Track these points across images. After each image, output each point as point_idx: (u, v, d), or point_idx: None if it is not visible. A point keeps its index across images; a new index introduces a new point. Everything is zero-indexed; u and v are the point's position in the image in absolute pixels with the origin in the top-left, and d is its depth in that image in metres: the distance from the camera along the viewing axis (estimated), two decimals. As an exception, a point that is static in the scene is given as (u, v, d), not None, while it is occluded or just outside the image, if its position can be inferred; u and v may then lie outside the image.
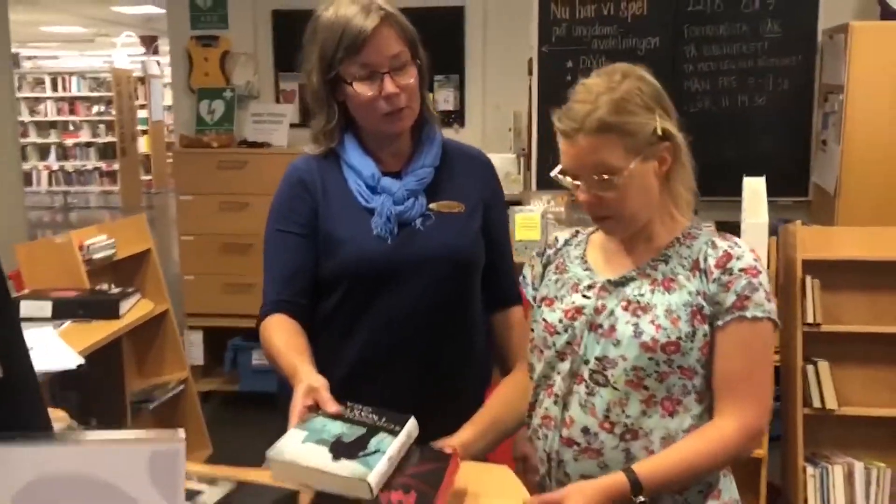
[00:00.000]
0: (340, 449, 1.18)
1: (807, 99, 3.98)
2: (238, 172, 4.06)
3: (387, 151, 1.62)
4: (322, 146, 1.62)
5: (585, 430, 1.36)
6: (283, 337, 1.51)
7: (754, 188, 2.79)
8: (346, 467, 1.14)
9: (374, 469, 1.13)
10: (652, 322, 1.33)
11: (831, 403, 2.69)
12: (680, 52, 4.05)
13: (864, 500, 2.68)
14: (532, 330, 1.49)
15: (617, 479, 1.28)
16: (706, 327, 1.33)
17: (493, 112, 4.34)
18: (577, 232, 1.57)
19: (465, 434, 1.46)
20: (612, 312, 1.37)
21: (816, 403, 2.70)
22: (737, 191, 3.58)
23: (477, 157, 1.72)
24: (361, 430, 1.24)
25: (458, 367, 1.64)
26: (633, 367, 1.33)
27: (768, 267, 2.79)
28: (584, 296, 1.42)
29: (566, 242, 1.55)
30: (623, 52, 4.03)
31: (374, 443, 1.20)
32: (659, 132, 1.33)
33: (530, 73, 4.17)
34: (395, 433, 1.23)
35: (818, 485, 2.66)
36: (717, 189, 3.77)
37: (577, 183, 1.37)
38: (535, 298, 1.54)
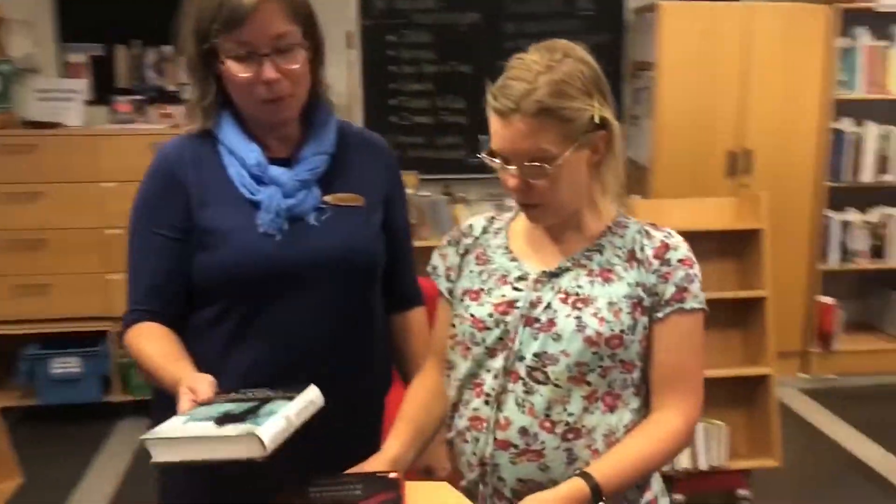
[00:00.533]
0: (227, 419, 1.08)
1: (618, 75, 4.15)
2: (25, 157, 3.54)
3: (272, 136, 1.41)
4: (197, 123, 1.41)
5: (524, 431, 1.26)
6: (157, 345, 1.33)
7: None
8: (234, 429, 1.05)
9: (265, 425, 1.05)
10: (595, 315, 1.26)
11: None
12: (500, 29, 4.07)
13: (706, 456, 2.86)
14: (454, 325, 1.38)
15: (576, 485, 1.19)
16: (645, 319, 1.28)
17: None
18: (493, 219, 1.46)
19: (393, 449, 1.32)
20: (549, 305, 1.28)
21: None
22: None
23: (377, 143, 1.55)
24: (253, 404, 1.14)
25: (359, 377, 1.48)
26: (575, 363, 1.25)
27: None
28: (515, 288, 1.32)
29: (484, 230, 1.43)
30: (445, 27, 3.98)
31: (266, 409, 1.11)
32: (597, 120, 1.24)
33: (350, 46, 4.01)
34: (290, 398, 1.15)
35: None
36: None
37: (509, 167, 1.27)
38: (451, 291, 1.42)
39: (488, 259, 1.38)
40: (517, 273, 1.33)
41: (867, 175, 4.04)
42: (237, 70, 1.32)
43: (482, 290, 1.35)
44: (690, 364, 1.30)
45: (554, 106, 1.21)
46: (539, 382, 1.26)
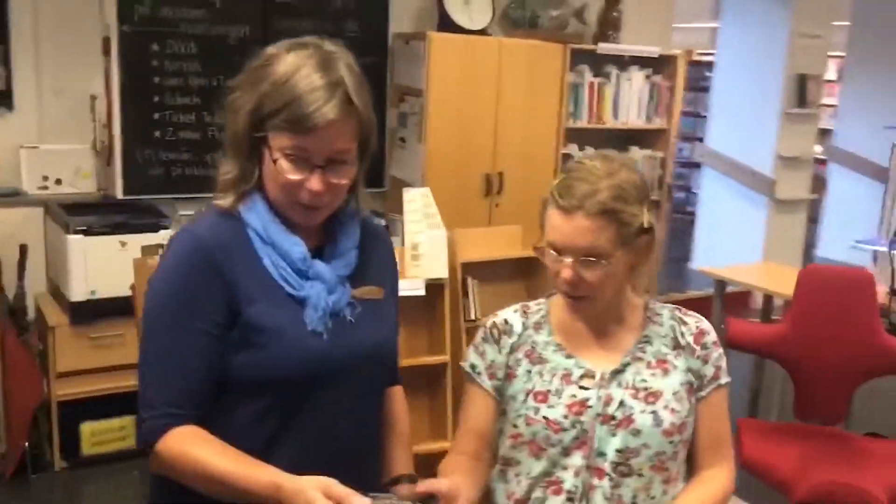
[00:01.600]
0: None
1: (382, 97, 4.28)
2: None
3: (300, 227, 1.36)
4: (226, 202, 1.33)
5: None
6: (220, 450, 1.26)
7: (419, 197, 2.96)
8: None
9: None
10: (666, 408, 1.41)
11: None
12: (270, 43, 3.94)
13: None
14: (515, 426, 1.45)
15: None
16: (693, 399, 1.46)
17: (51, 96, 3.63)
18: (525, 312, 1.55)
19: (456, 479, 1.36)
20: (622, 403, 1.40)
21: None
22: None
23: (380, 232, 1.55)
24: None
25: (375, 454, 1.51)
26: (656, 454, 1.40)
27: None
28: (582, 387, 1.42)
29: (524, 326, 1.52)
30: (213, 39, 3.78)
31: None
32: (646, 225, 1.40)
33: (107, 53, 3.62)
34: None
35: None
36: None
37: (564, 259, 1.38)
38: (498, 389, 1.49)
39: (542, 358, 1.47)
40: (579, 371, 1.44)
41: (588, 193, 4.68)
42: (286, 169, 1.28)
43: (549, 391, 1.43)
44: (726, 430, 1.51)
45: (614, 208, 1.36)
46: (625, 476, 1.40)
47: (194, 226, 1.35)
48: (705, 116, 7.12)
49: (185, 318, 1.29)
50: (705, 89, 7.18)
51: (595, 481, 1.40)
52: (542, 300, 1.58)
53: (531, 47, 4.29)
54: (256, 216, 1.33)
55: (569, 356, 1.46)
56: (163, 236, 3.38)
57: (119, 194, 3.68)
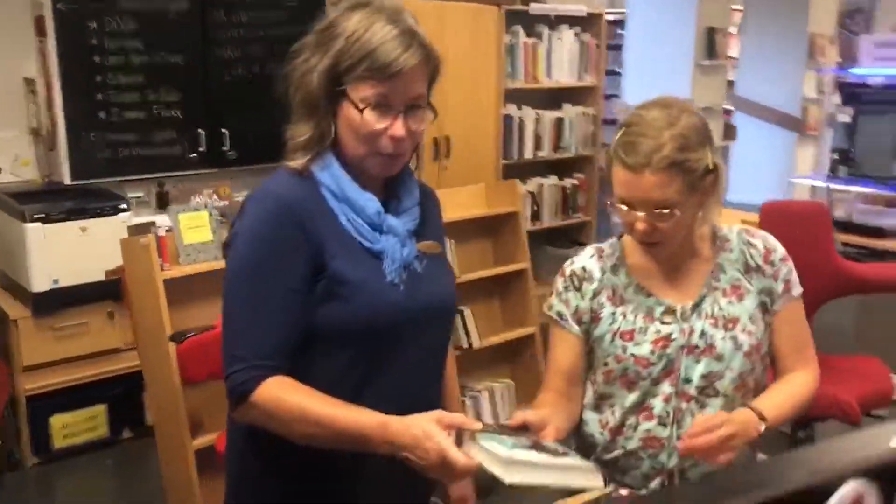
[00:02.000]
0: (545, 451, 1.26)
1: (324, 66, 4.26)
2: None
3: (367, 182, 1.41)
4: (300, 161, 1.37)
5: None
6: (318, 397, 1.29)
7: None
8: (576, 461, 1.28)
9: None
10: (744, 331, 1.51)
11: (476, 342, 3.18)
12: (210, 18, 3.88)
13: (503, 412, 3.29)
14: (606, 364, 1.55)
15: (746, 413, 1.44)
16: (768, 317, 1.56)
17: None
18: (600, 255, 1.61)
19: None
20: (703, 332, 1.50)
21: (465, 344, 3.16)
22: (273, 158, 3.81)
23: (430, 191, 1.58)
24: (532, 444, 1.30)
25: (441, 406, 1.57)
26: (738, 375, 1.51)
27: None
28: (664, 322, 1.51)
29: (602, 272, 1.58)
30: (151, 15, 3.67)
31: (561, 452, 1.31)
32: (710, 166, 1.46)
33: (41, 34, 3.47)
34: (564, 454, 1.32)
35: (474, 410, 3.16)
36: (261, 156, 3.96)
37: (637, 213, 1.45)
38: (587, 332, 1.57)
39: (623, 299, 1.55)
40: (660, 308, 1.53)
41: (528, 152, 4.81)
42: (371, 119, 1.32)
43: (634, 330, 1.52)
44: (807, 336, 1.61)
45: (680, 159, 1.41)
46: (710, 397, 1.50)
47: (270, 186, 1.37)
48: (620, 73, 7.35)
49: (272, 274, 1.32)
50: (618, 47, 7.40)
51: (683, 405, 1.51)
52: (613, 240, 1.64)
53: (468, 10, 4.34)
54: (330, 175, 1.37)
55: (649, 295, 1.54)
56: (122, 219, 3.32)
57: (66, 180, 3.56)
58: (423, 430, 1.20)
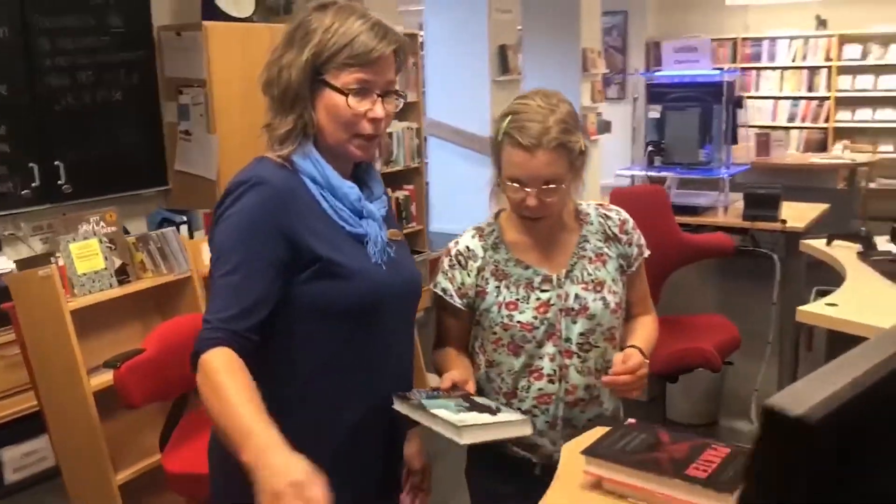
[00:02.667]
0: (485, 410, 1.52)
1: (155, 91, 4.15)
2: None
3: (340, 171, 1.50)
4: (285, 150, 1.44)
5: (588, 388, 1.71)
6: (243, 385, 1.29)
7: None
8: (510, 415, 1.54)
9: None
10: (610, 292, 1.74)
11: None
12: (34, 45, 3.66)
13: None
14: (494, 333, 1.72)
15: (634, 350, 1.69)
16: (625, 276, 1.81)
17: None
18: (480, 234, 1.78)
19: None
20: (577, 296, 1.71)
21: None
22: (111, 188, 3.88)
23: (381, 181, 1.67)
24: (467, 404, 1.54)
25: (412, 374, 1.69)
26: (608, 329, 1.74)
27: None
28: (542, 290, 1.71)
29: (484, 249, 1.75)
30: (-31, 43, 3.41)
31: (493, 408, 1.56)
32: (583, 148, 1.68)
33: None
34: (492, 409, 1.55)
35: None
36: (100, 188, 3.86)
37: (528, 190, 1.64)
38: (470, 305, 1.74)
39: (505, 273, 1.73)
40: (538, 278, 1.72)
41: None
42: (353, 103, 1.43)
43: (517, 300, 1.70)
44: (647, 287, 1.90)
45: (564, 140, 1.63)
46: (587, 351, 1.72)
47: (260, 174, 1.43)
48: (423, 91, 7.68)
49: (256, 247, 1.39)
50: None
51: (567, 361, 1.70)
52: (491, 221, 1.81)
53: (276, 31, 4.41)
54: (312, 164, 1.46)
55: (527, 267, 1.72)
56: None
57: None
58: (306, 473, 1.18)
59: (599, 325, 1.72)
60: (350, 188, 1.48)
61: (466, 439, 1.37)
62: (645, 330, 1.83)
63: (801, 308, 2.47)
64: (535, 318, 1.68)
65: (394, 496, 1.64)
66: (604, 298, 1.72)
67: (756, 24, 8.79)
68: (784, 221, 3.70)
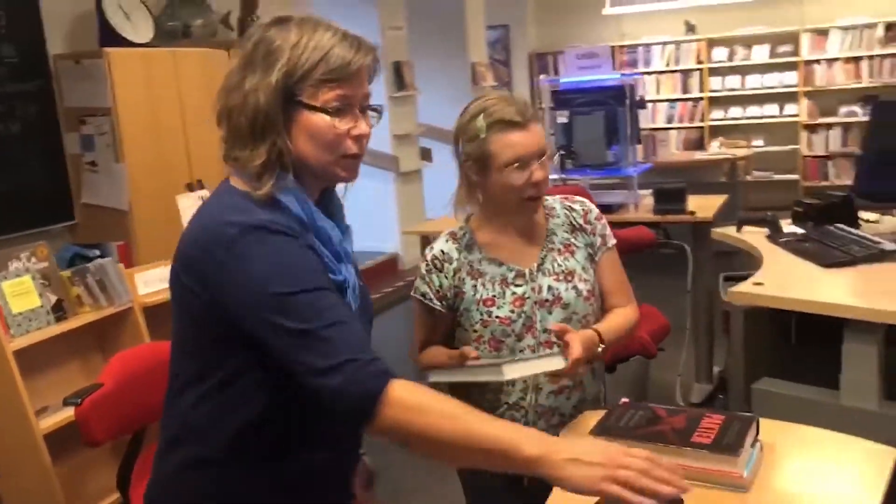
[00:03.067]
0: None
1: (55, 122, 3.98)
2: None
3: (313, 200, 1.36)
4: (263, 187, 1.27)
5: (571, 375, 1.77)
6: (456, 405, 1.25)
7: (194, 199, 2.98)
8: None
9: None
10: (581, 280, 1.83)
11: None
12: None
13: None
14: (475, 330, 1.79)
15: (590, 333, 1.74)
16: (594, 265, 1.91)
17: None
18: (454, 241, 1.84)
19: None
20: (550, 287, 1.79)
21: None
22: (13, 226, 3.66)
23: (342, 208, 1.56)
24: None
25: None
26: (582, 317, 1.82)
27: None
28: (517, 285, 1.78)
29: (458, 251, 1.82)
30: None
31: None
32: None
33: None
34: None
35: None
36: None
37: (531, 166, 1.72)
38: (450, 307, 1.81)
39: (480, 272, 1.80)
40: (511, 274, 1.81)
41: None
42: (337, 122, 1.28)
43: (494, 296, 1.78)
44: (624, 278, 1.97)
45: (537, 112, 1.77)
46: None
47: (256, 221, 1.25)
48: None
49: (319, 276, 1.25)
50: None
51: (547, 351, 1.77)
52: (463, 226, 1.88)
53: (200, 55, 4.34)
54: (296, 200, 1.30)
55: (500, 264, 1.81)
56: None
57: None
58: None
59: (575, 313, 1.79)
60: (332, 229, 1.34)
61: (508, 374, 1.60)
62: (616, 318, 1.88)
63: (731, 289, 2.63)
64: (513, 311, 1.76)
65: None
66: (575, 287, 1.80)
67: (631, 32, 9.24)
68: (693, 213, 3.92)
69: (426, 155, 7.39)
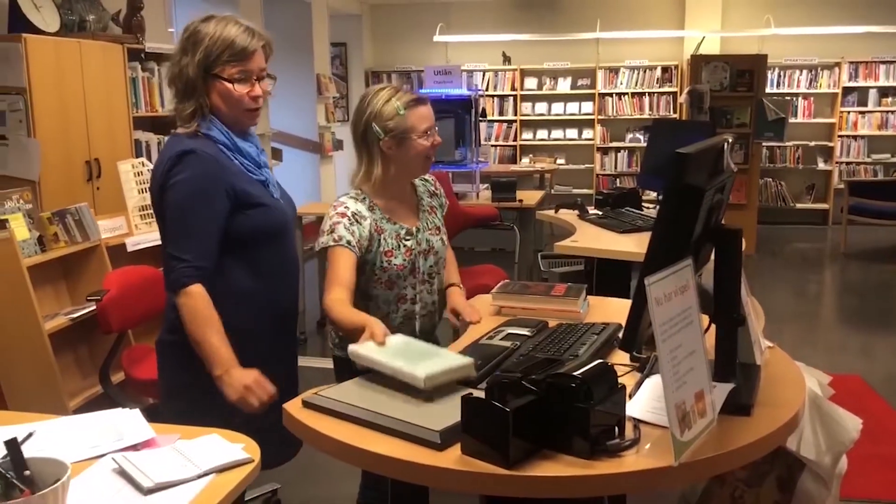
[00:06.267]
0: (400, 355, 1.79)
1: (-34, 99, 4.34)
2: None
3: (236, 133, 2.08)
4: (190, 127, 2.00)
5: (433, 303, 2.37)
6: (217, 320, 1.96)
7: (130, 167, 3.57)
8: (406, 365, 1.72)
9: (423, 367, 1.68)
10: (443, 232, 2.45)
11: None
12: None
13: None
14: (375, 274, 2.25)
15: (456, 289, 2.41)
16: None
17: None
18: (359, 200, 2.26)
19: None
20: (428, 241, 2.34)
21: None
22: None
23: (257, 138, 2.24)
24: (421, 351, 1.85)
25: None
26: (443, 259, 2.45)
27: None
28: (406, 239, 2.29)
29: (368, 210, 2.24)
30: None
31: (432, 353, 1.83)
32: None
33: None
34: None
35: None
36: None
37: (433, 132, 2.29)
38: (363, 254, 2.22)
39: (382, 229, 2.25)
40: (402, 230, 2.29)
41: (154, 172, 5.41)
42: (239, 88, 2.00)
43: (392, 248, 2.25)
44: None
45: None
46: (433, 276, 2.37)
47: (188, 145, 1.95)
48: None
49: (209, 201, 1.95)
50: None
51: (421, 287, 2.32)
52: (358, 191, 2.28)
53: (101, 47, 4.85)
54: (218, 132, 2.01)
55: (394, 223, 2.26)
56: None
57: None
58: (257, 375, 1.92)
59: (441, 258, 2.39)
60: (250, 146, 2.06)
61: (429, 384, 1.63)
62: (453, 265, 2.54)
63: (557, 244, 3.65)
64: (405, 260, 2.26)
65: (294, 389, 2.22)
66: (441, 239, 2.42)
67: (456, 58, 10.37)
68: (521, 201, 4.97)
69: (277, 155, 8.04)
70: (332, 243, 2.15)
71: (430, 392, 1.61)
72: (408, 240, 2.27)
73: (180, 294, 1.92)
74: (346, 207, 2.21)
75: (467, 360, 1.71)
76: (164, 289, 2.03)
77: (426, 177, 2.44)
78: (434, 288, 2.38)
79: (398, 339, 1.85)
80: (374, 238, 2.21)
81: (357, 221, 2.19)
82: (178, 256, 1.92)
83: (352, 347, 1.77)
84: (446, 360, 1.71)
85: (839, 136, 9.88)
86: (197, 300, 1.90)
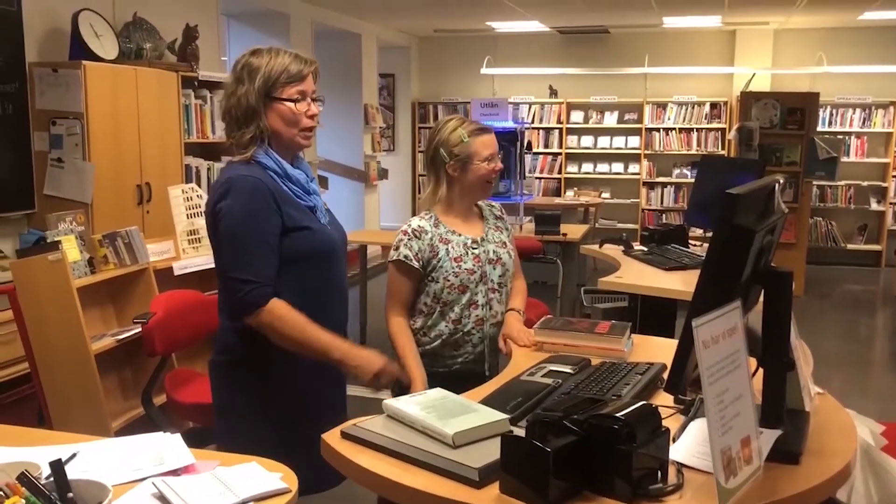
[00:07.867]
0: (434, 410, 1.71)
1: (26, 122, 4.49)
2: None
3: (287, 160, 2.14)
4: (247, 153, 2.05)
5: (502, 313, 2.57)
6: (307, 319, 2.05)
7: (181, 192, 3.64)
8: (437, 423, 1.63)
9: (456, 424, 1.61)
10: (512, 248, 2.66)
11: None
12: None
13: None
14: (448, 279, 2.46)
15: (515, 314, 2.56)
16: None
17: None
18: (423, 219, 2.52)
19: (422, 372, 2.41)
20: (495, 251, 2.58)
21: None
22: None
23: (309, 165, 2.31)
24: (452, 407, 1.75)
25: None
26: (511, 272, 2.62)
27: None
28: (473, 249, 2.53)
29: (432, 227, 2.50)
30: None
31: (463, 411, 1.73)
32: None
33: None
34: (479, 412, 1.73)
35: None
36: None
37: (496, 159, 2.52)
38: (424, 266, 2.47)
39: (448, 240, 2.50)
40: (469, 241, 2.53)
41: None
42: (299, 107, 2.08)
43: (460, 255, 2.49)
44: (517, 256, 2.78)
45: None
46: (502, 287, 2.58)
47: (241, 173, 2.01)
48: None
49: (259, 222, 2.02)
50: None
51: (492, 294, 2.55)
52: (426, 212, 2.58)
53: (157, 74, 4.98)
54: (271, 160, 2.07)
55: (460, 235, 2.52)
56: None
57: None
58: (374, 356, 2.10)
59: (509, 270, 2.60)
60: (299, 174, 2.12)
61: (458, 441, 1.57)
62: (518, 292, 2.68)
63: (602, 279, 3.62)
64: (474, 266, 2.51)
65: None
66: (508, 252, 2.62)
67: (502, 91, 10.43)
68: (565, 234, 4.94)
69: (323, 183, 8.14)
70: (392, 258, 2.47)
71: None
72: (475, 248, 2.51)
73: (261, 314, 1.98)
74: (408, 225, 2.51)
75: (502, 416, 1.67)
76: (219, 313, 2.09)
77: (492, 203, 2.66)
78: (503, 298, 2.56)
79: (435, 394, 1.83)
80: (437, 248, 2.45)
81: (416, 236, 2.47)
82: (244, 279, 1.98)
83: (386, 402, 1.76)
84: (480, 415, 1.68)
85: (893, 176, 9.67)
86: (282, 310, 2.00)
